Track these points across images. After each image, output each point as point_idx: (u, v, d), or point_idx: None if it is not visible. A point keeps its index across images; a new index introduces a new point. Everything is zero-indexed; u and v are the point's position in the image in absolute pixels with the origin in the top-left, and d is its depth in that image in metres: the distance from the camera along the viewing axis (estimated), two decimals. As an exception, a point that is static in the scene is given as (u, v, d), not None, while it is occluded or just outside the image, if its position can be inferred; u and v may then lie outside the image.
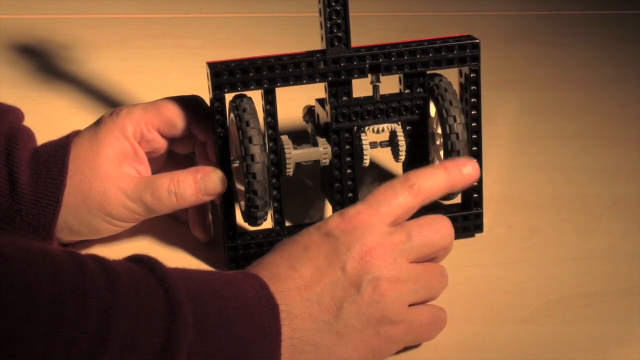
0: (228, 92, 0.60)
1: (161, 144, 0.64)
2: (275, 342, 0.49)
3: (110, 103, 0.87)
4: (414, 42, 0.63)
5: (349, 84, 0.62)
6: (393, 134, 0.65)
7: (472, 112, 0.65)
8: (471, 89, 0.64)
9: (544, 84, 0.95)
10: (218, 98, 0.60)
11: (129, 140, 0.62)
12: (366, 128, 0.64)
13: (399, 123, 0.64)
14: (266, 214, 0.62)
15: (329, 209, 0.68)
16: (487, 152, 0.68)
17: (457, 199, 0.67)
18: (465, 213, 0.67)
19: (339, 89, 0.62)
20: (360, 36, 0.64)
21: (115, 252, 0.64)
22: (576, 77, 0.97)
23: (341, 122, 0.63)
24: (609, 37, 1.08)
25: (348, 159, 0.64)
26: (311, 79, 0.61)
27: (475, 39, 0.63)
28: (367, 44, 0.63)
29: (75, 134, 0.62)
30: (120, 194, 0.60)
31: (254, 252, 0.62)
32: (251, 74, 0.60)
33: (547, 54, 1.03)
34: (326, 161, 0.64)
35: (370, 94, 0.63)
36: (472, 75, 0.64)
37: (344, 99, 0.63)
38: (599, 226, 0.69)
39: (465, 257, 0.65)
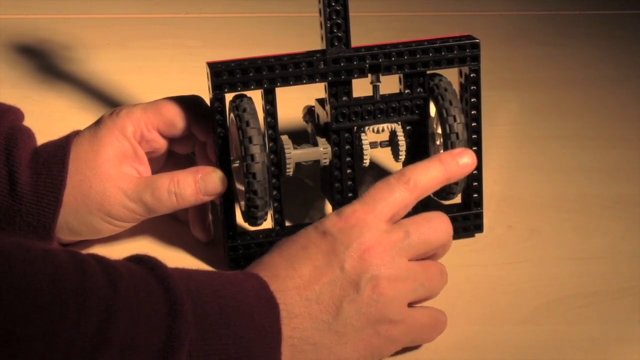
0: (228, 92, 0.60)
1: (161, 144, 0.64)
2: (276, 341, 0.49)
3: (110, 103, 0.87)
4: (414, 42, 0.63)
5: (349, 84, 0.62)
6: (393, 134, 0.65)
7: (472, 112, 0.65)
8: (471, 89, 0.64)
9: (544, 84, 0.95)
10: (218, 98, 0.60)
11: (129, 140, 0.62)
12: (366, 128, 0.64)
13: (399, 123, 0.64)
14: (266, 214, 0.62)
15: (329, 209, 0.68)
16: (487, 152, 0.68)
17: (457, 199, 0.67)
18: (465, 213, 0.67)
19: (339, 89, 0.62)
20: (360, 36, 0.64)
21: (115, 252, 0.64)
22: (576, 77, 0.97)
23: (341, 122, 0.63)
24: (609, 37, 1.09)
25: (348, 159, 0.64)
26: (311, 79, 0.61)
27: (475, 39, 0.63)
28: (367, 44, 0.63)
29: (75, 134, 0.62)
30: (120, 194, 0.60)
31: (254, 252, 0.62)
32: (251, 74, 0.60)
33: (547, 54, 1.03)
34: (326, 161, 0.64)
35: (370, 94, 0.63)
36: (472, 75, 0.64)
37: (344, 99, 0.63)
38: (599, 226, 0.69)
39: (465, 257, 0.65)
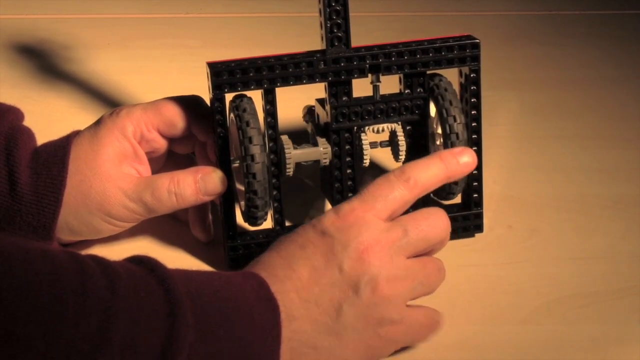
0: (228, 92, 0.60)
1: (161, 144, 0.64)
2: (275, 343, 0.49)
3: (110, 103, 0.87)
4: (414, 42, 0.63)
5: (349, 84, 0.62)
6: (393, 134, 0.65)
7: (472, 112, 0.65)
8: (471, 89, 0.64)
9: (544, 84, 0.95)
10: (218, 98, 0.60)
11: (129, 140, 0.62)
12: (366, 128, 0.64)
13: (399, 123, 0.64)
14: (266, 214, 0.62)
15: (329, 208, 0.68)
16: (487, 152, 0.68)
17: (457, 199, 0.67)
18: (465, 213, 0.67)
19: (339, 89, 0.62)
20: (360, 36, 0.64)
21: (115, 252, 0.64)
22: (576, 77, 0.97)
23: (341, 122, 0.63)
24: (609, 37, 1.09)
25: (348, 159, 0.64)
26: (311, 79, 0.61)
27: (475, 39, 0.63)
28: (367, 44, 0.63)
29: (75, 134, 0.62)
30: (120, 194, 0.60)
31: (254, 252, 0.62)
32: (251, 74, 0.60)
33: (547, 54, 1.03)
34: (326, 161, 0.64)
35: (370, 94, 0.63)
36: (472, 75, 0.64)
37: (344, 99, 0.63)
38: (599, 226, 0.69)
39: (465, 257, 0.65)
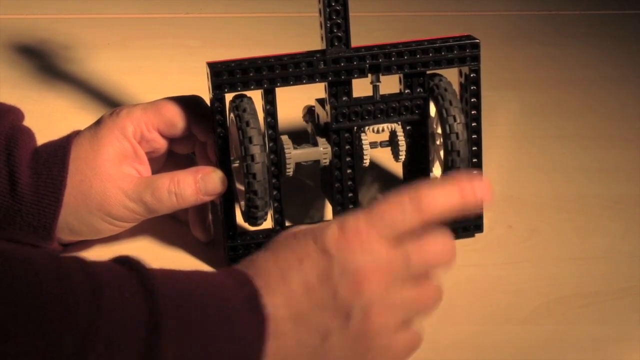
0: (228, 92, 0.60)
1: (161, 144, 0.64)
2: (258, 357, 0.47)
3: (110, 103, 0.87)
4: (414, 42, 0.63)
5: (349, 84, 0.62)
6: (393, 134, 0.65)
7: (472, 112, 0.65)
8: (471, 89, 0.64)
9: (544, 84, 0.95)
10: (218, 98, 0.60)
11: (129, 140, 0.62)
12: (366, 128, 0.64)
13: (399, 123, 0.64)
14: (266, 214, 0.62)
15: (329, 209, 0.68)
16: (487, 152, 0.68)
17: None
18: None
19: (339, 89, 0.62)
20: (360, 36, 0.64)
21: (115, 252, 0.63)
22: (576, 77, 0.97)
23: (341, 122, 0.63)
24: (609, 37, 1.09)
25: (348, 159, 0.64)
26: (311, 79, 0.61)
27: (475, 39, 0.63)
28: (367, 44, 0.63)
29: (76, 134, 0.62)
30: (121, 194, 0.60)
31: (254, 253, 0.62)
32: (251, 74, 0.60)
33: (547, 54, 1.03)
34: (326, 161, 0.64)
35: (370, 94, 0.63)
36: (472, 75, 0.64)
37: (344, 99, 0.63)
38: (599, 226, 0.69)
39: (465, 257, 0.65)
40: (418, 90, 0.64)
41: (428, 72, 0.64)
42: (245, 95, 0.61)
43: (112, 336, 0.42)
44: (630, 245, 0.67)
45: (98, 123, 0.62)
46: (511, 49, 1.04)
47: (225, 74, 0.60)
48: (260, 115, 0.61)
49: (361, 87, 0.64)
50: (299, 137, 0.66)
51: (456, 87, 0.65)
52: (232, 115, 0.62)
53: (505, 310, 0.60)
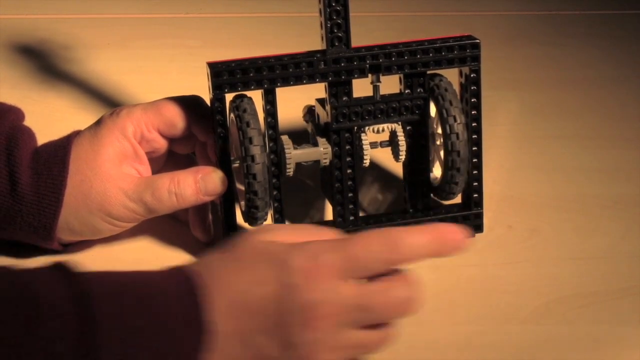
0: (228, 92, 0.60)
1: (161, 144, 0.64)
2: None
3: (110, 103, 0.87)
4: (414, 42, 0.63)
5: (349, 84, 0.62)
6: (393, 134, 0.65)
7: (472, 112, 0.65)
8: (471, 89, 0.64)
9: (544, 84, 0.95)
10: (218, 98, 0.60)
11: (129, 141, 0.62)
12: (366, 128, 0.64)
13: (399, 123, 0.64)
14: (266, 214, 0.62)
15: (329, 209, 0.68)
16: (487, 152, 0.68)
17: (458, 199, 0.67)
18: (465, 213, 0.67)
19: (339, 89, 0.62)
20: (361, 36, 0.64)
21: (115, 252, 0.64)
22: (576, 77, 0.97)
23: (341, 122, 0.63)
24: (609, 37, 1.09)
25: (348, 159, 0.64)
26: (311, 79, 0.61)
27: (475, 39, 0.63)
28: (368, 44, 0.63)
29: (76, 134, 0.62)
30: (121, 194, 0.60)
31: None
32: (251, 74, 0.60)
33: (547, 54, 1.03)
34: (326, 161, 0.64)
35: (371, 94, 0.63)
36: (472, 75, 0.64)
37: (344, 99, 0.63)
38: (599, 226, 0.69)
39: (465, 257, 0.64)
40: (418, 90, 0.64)
41: (428, 72, 0.64)
42: (245, 96, 0.61)
43: (48, 348, 0.41)
44: (630, 245, 0.67)
45: (98, 123, 0.62)
46: (511, 49, 1.04)
47: (225, 74, 0.60)
48: (261, 115, 0.61)
49: (361, 87, 0.64)
50: (299, 137, 0.66)
51: (456, 87, 0.65)
52: (232, 115, 0.62)
53: (505, 310, 0.60)
